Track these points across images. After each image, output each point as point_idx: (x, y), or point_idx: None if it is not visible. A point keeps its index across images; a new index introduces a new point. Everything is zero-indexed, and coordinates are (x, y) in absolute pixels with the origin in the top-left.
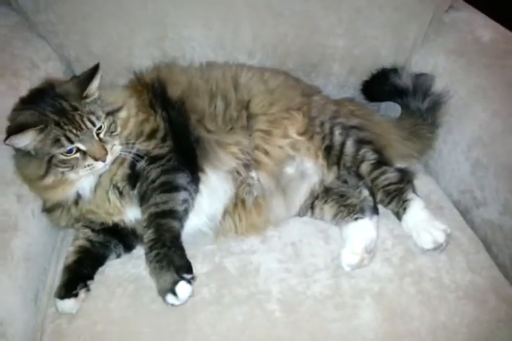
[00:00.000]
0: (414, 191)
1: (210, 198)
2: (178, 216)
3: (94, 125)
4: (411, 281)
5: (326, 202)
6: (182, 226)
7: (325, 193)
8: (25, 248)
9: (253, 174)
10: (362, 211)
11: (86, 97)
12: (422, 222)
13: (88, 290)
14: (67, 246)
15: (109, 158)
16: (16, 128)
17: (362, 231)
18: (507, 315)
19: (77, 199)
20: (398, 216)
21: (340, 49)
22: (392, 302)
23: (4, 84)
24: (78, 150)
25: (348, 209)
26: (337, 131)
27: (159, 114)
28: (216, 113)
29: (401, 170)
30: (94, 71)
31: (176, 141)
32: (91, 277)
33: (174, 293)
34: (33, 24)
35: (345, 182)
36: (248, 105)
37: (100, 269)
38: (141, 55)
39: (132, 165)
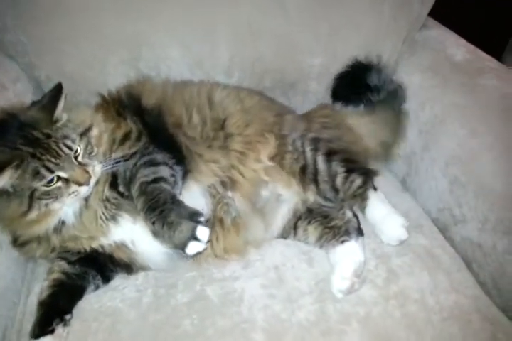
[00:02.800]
0: (373, 187)
1: None
2: (170, 182)
3: (71, 149)
4: (396, 304)
5: (309, 223)
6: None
7: (308, 213)
8: None
9: (229, 194)
10: (347, 233)
11: (56, 122)
12: (382, 218)
13: (65, 325)
14: (38, 278)
15: (93, 181)
16: None
17: (349, 254)
18: (492, 335)
19: (60, 226)
20: (361, 210)
21: (318, 67)
22: (378, 327)
23: None
24: (59, 178)
25: (333, 231)
26: (307, 148)
27: (129, 118)
28: (193, 125)
29: (365, 172)
30: (57, 92)
31: (155, 141)
32: (68, 311)
33: (196, 239)
34: (0, 44)
35: (326, 198)
36: (224, 124)
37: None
38: (115, 74)
39: (113, 174)
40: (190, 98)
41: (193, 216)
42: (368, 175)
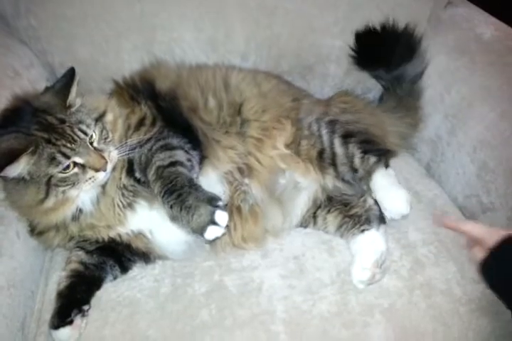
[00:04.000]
0: (385, 164)
1: None
2: (186, 166)
3: (86, 134)
4: (421, 295)
5: (328, 211)
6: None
7: (328, 202)
8: (10, 273)
9: (246, 181)
10: (368, 221)
11: (70, 107)
12: (384, 191)
13: (84, 315)
14: (56, 266)
15: (109, 166)
16: (5, 157)
17: (370, 244)
18: None
19: (78, 214)
20: (367, 186)
21: (337, 49)
22: (403, 319)
23: None
24: (75, 164)
25: (353, 220)
26: (324, 131)
27: (143, 103)
28: (209, 109)
29: (381, 152)
30: (70, 77)
31: (170, 125)
32: (86, 302)
33: (215, 223)
34: (13, 29)
35: (345, 180)
36: (240, 109)
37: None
38: (129, 59)
39: (129, 161)
40: (206, 82)
41: (212, 200)
42: (384, 154)
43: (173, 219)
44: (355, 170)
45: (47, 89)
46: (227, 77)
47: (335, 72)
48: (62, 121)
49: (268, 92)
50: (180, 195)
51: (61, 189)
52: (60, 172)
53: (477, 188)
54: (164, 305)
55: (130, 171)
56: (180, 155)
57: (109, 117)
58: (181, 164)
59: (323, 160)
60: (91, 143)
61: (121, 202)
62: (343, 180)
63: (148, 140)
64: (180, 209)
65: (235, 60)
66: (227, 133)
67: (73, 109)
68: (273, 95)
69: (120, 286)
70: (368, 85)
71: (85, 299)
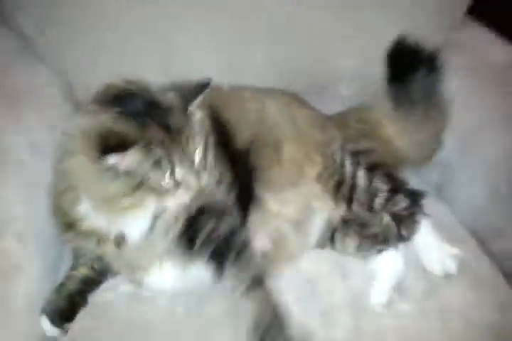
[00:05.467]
0: (423, 212)
1: None
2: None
3: (195, 150)
4: (435, 319)
5: (346, 234)
6: None
7: (344, 224)
8: (28, 293)
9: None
10: (386, 241)
11: (189, 116)
12: (432, 246)
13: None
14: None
15: (200, 190)
16: (117, 144)
17: (388, 264)
18: None
19: (120, 241)
20: (408, 239)
21: (351, 70)
22: None
23: (4, 109)
24: (173, 175)
25: (372, 239)
26: (347, 161)
27: (222, 156)
28: (265, 164)
29: (411, 193)
30: (203, 86)
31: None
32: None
33: None
34: (34, 48)
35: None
36: (280, 150)
37: (106, 310)
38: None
39: (192, 220)
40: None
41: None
42: (415, 198)
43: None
44: (370, 209)
45: (173, 86)
46: (265, 111)
47: (348, 92)
48: (180, 129)
49: (303, 126)
50: (270, 328)
51: (146, 194)
52: (156, 178)
53: (489, 212)
54: (180, 328)
55: (189, 234)
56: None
57: (211, 140)
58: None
59: (339, 192)
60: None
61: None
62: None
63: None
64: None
65: (251, 79)
66: (274, 185)
67: (192, 121)
68: (307, 130)
69: (135, 306)
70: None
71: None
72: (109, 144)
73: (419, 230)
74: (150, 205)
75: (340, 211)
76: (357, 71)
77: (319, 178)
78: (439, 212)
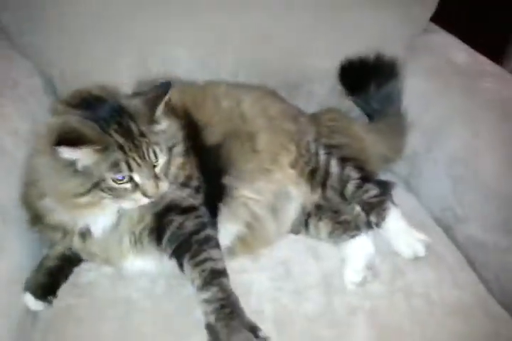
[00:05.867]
0: (392, 201)
1: None
2: (227, 275)
3: (156, 158)
4: (401, 298)
5: (320, 219)
6: None
7: (317, 210)
8: (10, 271)
9: (251, 206)
10: (357, 227)
11: (153, 122)
12: (401, 231)
13: (56, 296)
14: None
15: (157, 196)
16: (72, 138)
17: (360, 248)
18: (494, 331)
19: (85, 234)
20: (378, 225)
21: (324, 71)
22: (384, 319)
23: None
24: (131, 180)
25: (343, 226)
26: (321, 151)
27: (192, 158)
28: (238, 157)
29: (381, 183)
30: (164, 90)
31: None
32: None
33: None
34: (15, 44)
35: (329, 200)
36: (255, 141)
37: (88, 290)
38: (125, 73)
39: (159, 217)
40: (230, 120)
41: (254, 329)
42: (385, 187)
43: (208, 327)
44: (342, 197)
45: (137, 94)
46: (240, 105)
47: (319, 91)
48: (142, 135)
49: (275, 118)
50: (231, 312)
51: (102, 194)
52: (114, 180)
53: (452, 201)
54: (159, 304)
55: (156, 235)
56: (219, 254)
57: (175, 150)
58: (224, 274)
59: (314, 178)
60: (153, 167)
61: (129, 241)
62: (329, 201)
63: (188, 210)
64: (225, 326)
65: (225, 75)
66: (251, 176)
67: (156, 129)
68: (279, 121)
69: (116, 286)
70: (351, 103)
71: (65, 280)
72: (64, 138)
73: (388, 217)
74: (107, 205)
75: (315, 196)
76: (330, 71)
77: (294, 164)
78: (406, 202)
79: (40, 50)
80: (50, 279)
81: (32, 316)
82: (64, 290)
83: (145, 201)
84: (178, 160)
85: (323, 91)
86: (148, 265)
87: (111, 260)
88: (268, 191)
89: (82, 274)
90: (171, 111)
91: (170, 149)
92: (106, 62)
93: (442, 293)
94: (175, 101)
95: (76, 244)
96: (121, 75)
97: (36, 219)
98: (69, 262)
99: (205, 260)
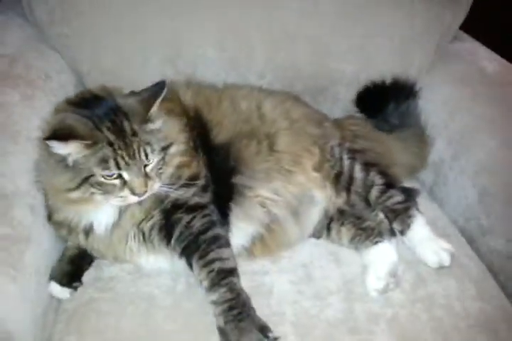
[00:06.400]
0: (417, 209)
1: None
2: (237, 275)
3: (147, 158)
4: (423, 308)
5: (342, 224)
6: None
7: (340, 215)
8: (37, 260)
9: (272, 208)
10: (380, 234)
11: (147, 121)
12: (427, 240)
13: (81, 283)
14: None
15: (146, 195)
16: (63, 133)
17: (383, 255)
18: None
19: (88, 231)
20: (402, 233)
21: (349, 74)
22: (405, 329)
23: (18, 94)
24: (120, 177)
25: (366, 232)
26: (345, 156)
27: (200, 157)
28: (252, 156)
29: (406, 190)
30: (159, 89)
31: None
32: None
33: None
34: (46, 36)
35: (353, 206)
36: (274, 141)
37: (111, 284)
38: (154, 73)
39: (167, 215)
40: (247, 119)
41: (264, 329)
42: (410, 194)
43: (220, 329)
44: (367, 202)
45: (132, 93)
46: (261, 106)
47: (345, 96)
48: (135, 134)
49: (298, 121)
50: (239, 314)
51: (92, 189)
52: (103, 176)
53: (477, 211)
54: (180, 302)
55: (165, 232)
56: (234, 257)
57: (172, 150)
58: (237, 272)
59: (339, 182)
60: (145, 166)
61: (137, 240)
62: (352, 206)
63: (195, 209)
64: (234, 328)
65: (252, 77)
66: (266, 175)
67: (149, 128)
68: (302, 124)
69: (138, 282)
70: None
71: (87, 268)
72: (55, 133)
73: (413, 225)
74: (100, 201)
75: (339, 201)
76: (355, 75)
77: (318, 168)
78: (429, 211)
79: (70, 45)
80: (73, 267)
81: (55, 307)
82: (87, 283)
83: (133, 199)
84: (176, 160)
85: (349, 96)
86: (162, 263)
87: (120, 258)
88: (288, 192)
89: (105, 269)
90: (181, 110)
91: (164, 149)
92: (134, 60)
93: (465, 305)
94: (187, 102)
95: (81, 240)
96: (149, 75)
97: (49, 215)
98: (86, 251)
99: (213, 260)
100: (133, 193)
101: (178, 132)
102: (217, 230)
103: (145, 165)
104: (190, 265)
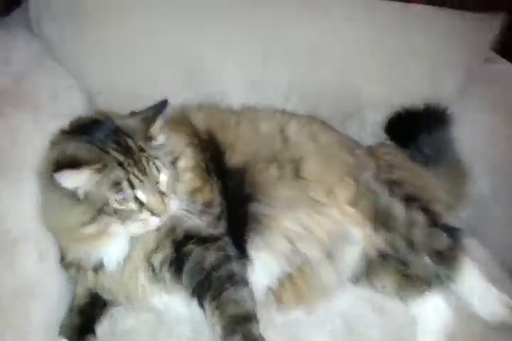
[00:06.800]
0: (465, 253)
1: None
2: (257, 320)
3: (158, 172)
4: None
5: (385, 270)
6: None
7: (383, 260)
8: (47, 313)
9: (303, 249)
10: (428, 283)
11: (151, 138)
12: (481, 290)
13: (95, 334)
14: None
15: (166, 215)
16: (70, 162)
17: (435, 311)
18: None
19: (98, 268)
20: (450, 279)
21: (377, 97)
22: None
23: (25, 113)
24: (136, 199)
25: (412, 280)
26: (382, 190)
27: (214, 182)
28: (271, 181)
29: (450, 230)
30: (160, 108)
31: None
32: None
33: None
34: (56, 53)
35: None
36: (299, 167)
37: (127, 339)
38: (168, 91)
39: (178, 247)
40: (267, 143)
41: None
42: (454, 234)
43: None
44: (409, 243)
45: (133, 113)
46: (284, 129)
47: (373, 119)
48: (142, 150)
49: (327, 146)
50: None
51: (109, 220)
52: (117, 201)
53: None
54: None
55: (171, 262)
56: (252, 299)
57: (181, 164)
58: (255, 318)
59: (377, 220)
60: (156, 183)
61: (146, 275)
62: (394, 247)
63: (208, 241)
64: None
65: (277, 100)
66: (289, 203)
67: (154, 144)
68: (332, 150)
69: (157, 334)
70: None
71: (100, 317)
72: (63, 163)
73: (463, 270)
74: (116, 231)
75: (378, 241)
76: (382, 99)
77: (354, 202)
78: (475, 251)
79: (79, 62)
80: (83, 318)
81: None
82: (101, 338)
83: (155, 221)
84: (187, 176)
85: (377, 119)
86: (178, 306)
87: (132, 297)
88: (318, 226)
89: (119, 320)
90: (192, 132)
91: (172, 163)
92: (146, 78)
93: None
94: (199, 125)
95: (90, 279)
96: (164, 93)
97: (62, 257)
98: (97, 297)
99: (227, 302)
100: (153, 214)
101: (183, 146)
102: (232, 266)
103: (157, 183)
104: (202, 306)
